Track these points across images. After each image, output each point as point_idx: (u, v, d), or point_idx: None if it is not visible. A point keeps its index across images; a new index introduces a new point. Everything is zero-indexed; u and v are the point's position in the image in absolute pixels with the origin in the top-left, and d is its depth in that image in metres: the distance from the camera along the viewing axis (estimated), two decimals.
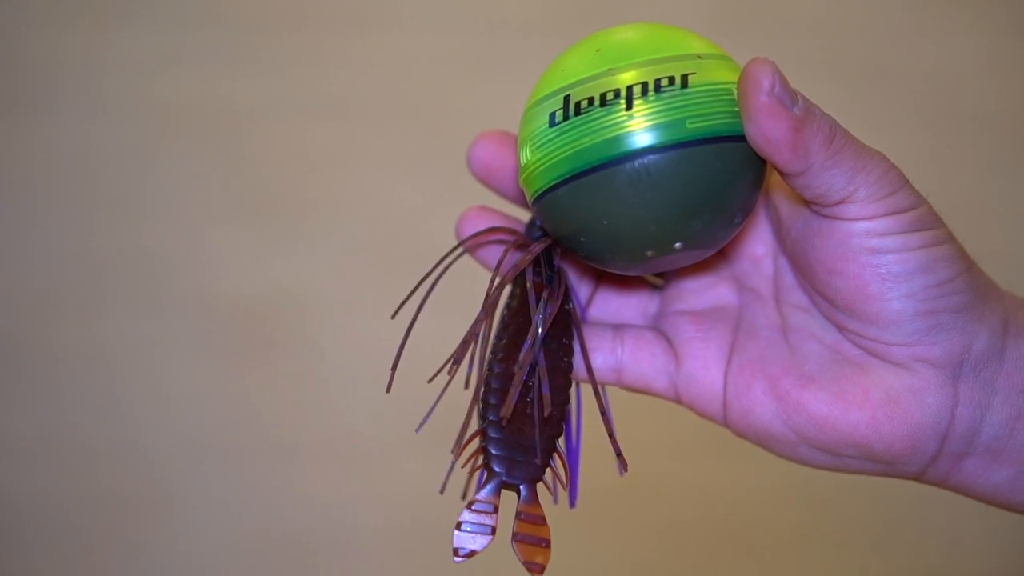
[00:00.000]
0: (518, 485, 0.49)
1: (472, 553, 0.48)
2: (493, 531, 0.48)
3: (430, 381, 0.49)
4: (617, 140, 0.46)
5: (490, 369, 0.50)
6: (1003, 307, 0.48)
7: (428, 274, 0.51)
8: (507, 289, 0.53)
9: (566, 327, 0.52)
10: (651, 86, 0.46)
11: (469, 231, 0.54)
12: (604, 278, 0.55)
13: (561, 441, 0.50)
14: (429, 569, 1.20)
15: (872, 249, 0.46)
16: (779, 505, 1.24)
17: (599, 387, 0.51)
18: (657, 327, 0.54)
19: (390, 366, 0.50)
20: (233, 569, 1.24)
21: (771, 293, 0.52)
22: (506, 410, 0.48)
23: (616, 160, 0.46)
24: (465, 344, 0.49)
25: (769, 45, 1.21)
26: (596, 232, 0.47)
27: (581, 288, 0.55)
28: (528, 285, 0.51)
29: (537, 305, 0.50)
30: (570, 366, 0.51)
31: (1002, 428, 0.47)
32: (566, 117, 0.47)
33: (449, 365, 0.49)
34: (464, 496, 0.49)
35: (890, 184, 0.46)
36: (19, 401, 1.24)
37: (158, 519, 1.23)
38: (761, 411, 0.50)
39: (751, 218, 0.52)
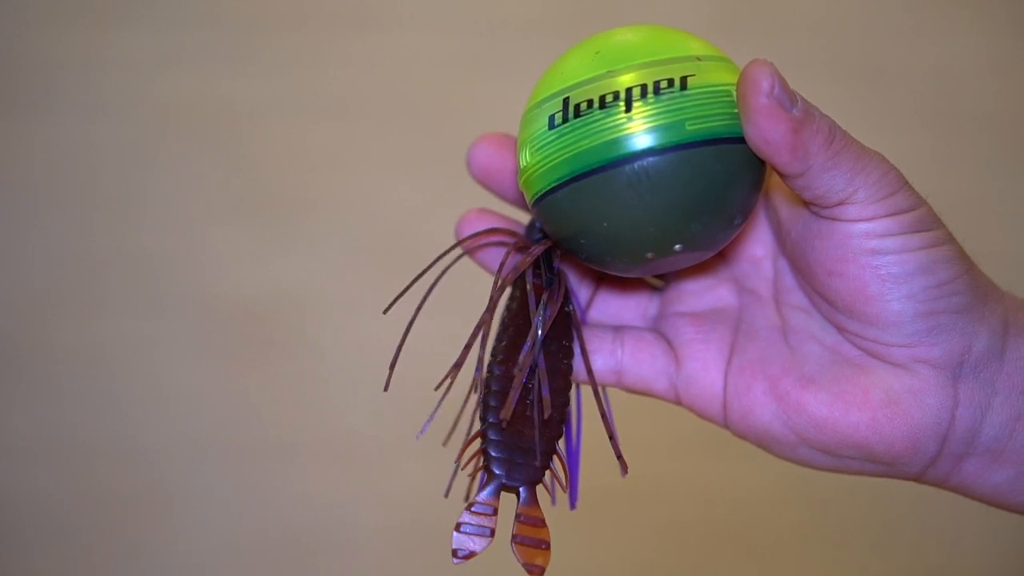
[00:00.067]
0: (518, 487, 0.49)
1: (471, 554, 0.48)
2: (492, 533, 0.48)
3: (437, 388, 0.49)
4: (616, 142, 0.46)
5: (490, 371, 0.50)
6: (1003, 308, 0.48)
7: (423, 272, 0.51)
8: (507, 291, 0.53)
9: (566, 329, 0.52)
10: (650, 88, 0.46)
11: (469, 233, 0.54)
12: (604, 280, 0.55)
13: (561, 443, 0.50)
14: (429, 569, 1.20)
15: (872, 250, 0.46)
16: (779, 505, 1.24)
17: (599, 389, 0.51)
18: (657, 329, 0.54)
19: (389, 366, 0.50)
20: (233, 569, 1.24)
21: (771, 294, 0.52)
22: (506, 412, 0.48)
23: (616, 162, 0.46)
24: (468, 348, 0.49)
25: (769, 45, 1.21)
26: (596, 234, 0.47)
27: (581, 290, 0.55)
28: (528, 287, 0.51)
29: (537, 307, 0.50)
30: (570, 368, 0.51)
31: (1002, 429, 0.47)
32: (565, 119, 0.47)
33: (453, 370, 0.49)
34: (465, 498, 0.49)
35: (890, 185, 0.46)
36: (19, 401, 1.24)
37: (158, 519, 1.23)
38: (761, 412, 0.50)
39: (751, 220, 0.52)
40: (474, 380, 0.51)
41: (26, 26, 1.31)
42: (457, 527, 0.48)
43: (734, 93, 0.46)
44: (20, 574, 1.23)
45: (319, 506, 1.24)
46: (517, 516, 0.48)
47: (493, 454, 0.49)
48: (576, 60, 0.48)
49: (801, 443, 0.49)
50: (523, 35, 1.34)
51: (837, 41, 1.38)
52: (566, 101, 0.47)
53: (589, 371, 0.51)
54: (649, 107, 0.46)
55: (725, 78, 0.47)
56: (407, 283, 0.51)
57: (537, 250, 0.51)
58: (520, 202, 0.54)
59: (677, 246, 0.47)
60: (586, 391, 0.53)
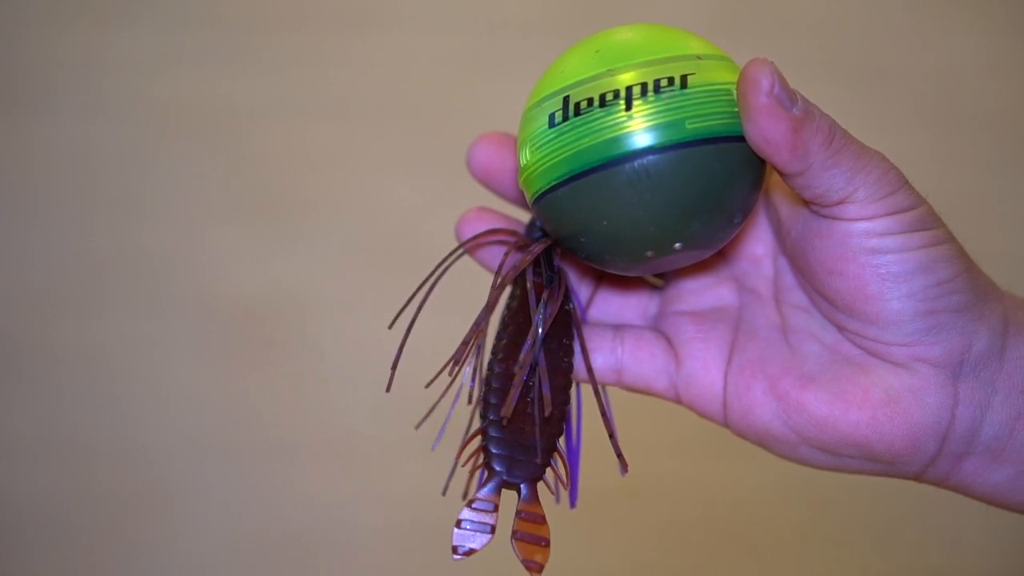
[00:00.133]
0: (518, 484, 0.49)
1: (471, 551, 0.48)
2: (493, 530, 0.48)
3: (427, 386, 0.49)
4: (616, 141, 0.46)
5: (491, 369, 0.50)
6: (1003, 307, 0.48)
7: (428, 278, 0.51)
8: (507, 290, 0.53)
9: (566, 327, 0.52)
10: (650, 87, 0.46)
11: (469, 232, 0.54)
12: (604, 278, 0.55)
13: (561, 441, 0.50)
14: (429, 569, 1.20)
15: (872, 249, 0.46)
16: (779, 505, 1.24)
17: (599, 387, 0.51)
18: (657, 327, 0.54)
19: (390, 366, 0.50)
20: (233, 569, 1.24)
21: (771, 293, 0.52)
22: (506, 410, 0.48)
23: (615, 161, 0.46)
24: (465, 345, 0.49)
25: (769, 45, 1.21)
26: (596, 233, 0.47)
27: (581, 288, 0.55)
28: (528, 285, 0.51)
29: (537, 305, 0.50)
30: (570, 366, 0.51)
31: (1002, 428, 0.47)
32: (565, 118, 0.47)
33: (450, 367, 0.49)
34: (464, 495, 0.49)
35: (890, 184, 0.46)
36: (19, 401, 1.24)
37: (158, 519, 1.23)
38: (761, 411, 0.50)
39: (751, 218, 0.52)
40: (471, 391, 0.51)
41: (26, 26, 1.31)
42: (458, 524, 0.48)
43: (734, 92, 0.46)
44: (20, 574, 1.23)
45: (319, 506, 1.24)
46: (517, 513, 0.48)
47: (494, 451, 0.49)
48: (576, 59, 0.48)
49: (801, 442, 0.49)
50: (523, 35, 1.34)
51: (837, 41, 1.38)
52: (566, 100, 0.47)
53: (589, 369, 0.51)
54: (649, 105, 0.46)
55: (725, 77, 0.47)
56: (407, 283, 0.51)
57: (537, 249, 0.51)
58: (520, 201, 0.54)
59: (677, 245, 0.47)
60: (586, 390, 0.53)
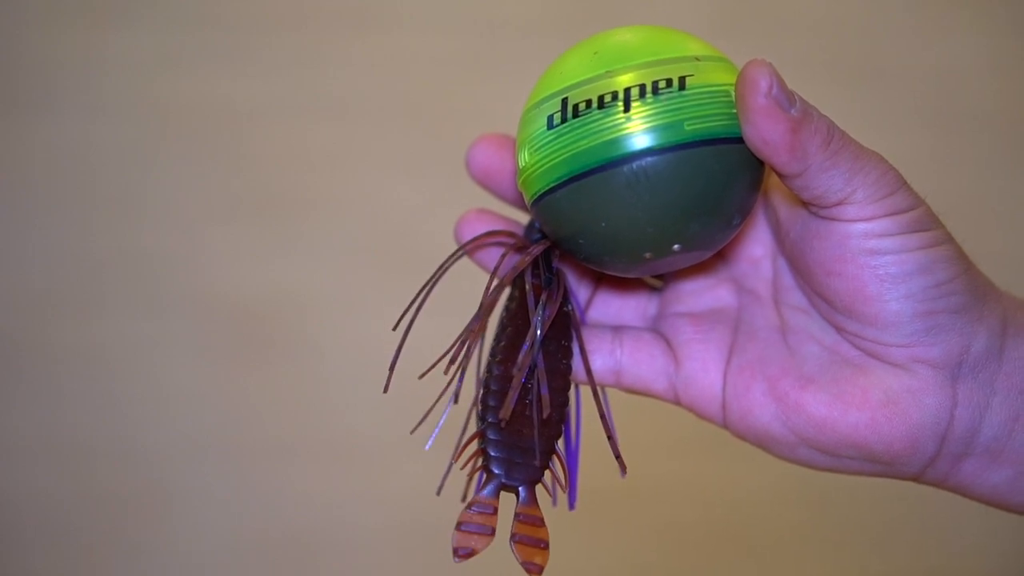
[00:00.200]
0: (517, 487, 0.49)
1: (471, 554, 0.48)
2: (492, 532, 0.48)
3: (421, 377, 0.49)
4: (615, 142, 0.46)
5: (489, 371, 0.50)
6: (1002, 308, 0.48)
7: (428, 282, 0.51)
8: (506, 291, 0.53)
9: (565, 329, 0.52)
10: (649, 88, 0.46)
11: (468, 233, 0.54)
12: (603, 280, 0.55)
13: (560, 443, 0.50)
14: (429, 569, 1.20)
15: (870, 250, 0.46)
16: (779, 505, 1.24)
17: (598, 389, 0.51)
18: (656, 329, 0.54)
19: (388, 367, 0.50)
20: (233, 569, 1.24)
21: (770, 294, 0.52)
22: (505, 412, 0.48)
23: (614, 162, 0.46)
24: (461, 342, 0.49)
25: (768, 46, 1.21)
26: (594, 234, 0.47)
27: (580, 290, 0.55)
28: (527, 287, 0.51)
29: (536, 307, 0.50)
30: (569, 368, 0.51)
31: (1001, 429, 0.47)
32: (564, 119, 0.47)
33: (446, 364, 0.49)
34: (464, 497, 0.49)
35: (888, 185, 0.46)
36: (19, 401, 1.24)
37: (158, 519, 1.23)
38: (760, 412, 0.50)
39: (749, 220, 0.52)
40: (457, 391, 0.51)
41: (26, 26, 1.31)
42: (457, 526, 0.48)
43: (733, 93, 0.46)
44: (20, 574, 1.23)
45: (319, 506, 1.24)
46: (516, 515, 0.48)
47: (492, 453, 0.49)
48: (575, 60, 0.48)
49: (800, 443, 0.49)
50: (523, 35, 1.34)
51: (837, 41, 1.38)
52: (564, 101, 0.47)
53: (588, 371, 0.51)
54: (648, 107, 0.46)
55: (724, 78, 0.47)
56: (407, 283, 0.51)
57: (536, 250, 0.51)
58: (519, 202, 0.54)
59: (676, 246, 0.47)
60: (585, 391, 0.53)
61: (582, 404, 0.53)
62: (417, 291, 0.51)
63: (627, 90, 0.46)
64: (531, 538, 0.48)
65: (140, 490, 1.23)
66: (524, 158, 0.49)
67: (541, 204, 0.49)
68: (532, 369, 0.50)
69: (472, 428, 0.50)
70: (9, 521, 1.22)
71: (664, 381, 0.52)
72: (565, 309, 0.52)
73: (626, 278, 0.55)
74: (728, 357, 0.51)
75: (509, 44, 1.34)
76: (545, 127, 0.48)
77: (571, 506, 0.51)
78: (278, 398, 1.26)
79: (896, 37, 1.39)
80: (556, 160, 0.47)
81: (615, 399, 0.53)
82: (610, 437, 0.51)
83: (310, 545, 1.23)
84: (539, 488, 0.49)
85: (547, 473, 0.50)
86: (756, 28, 1.37)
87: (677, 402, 0.53)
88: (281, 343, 1.27)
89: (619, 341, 0.53)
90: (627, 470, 0.50)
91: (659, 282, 0.56)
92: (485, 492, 0.48)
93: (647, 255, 0.48)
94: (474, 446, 0.49)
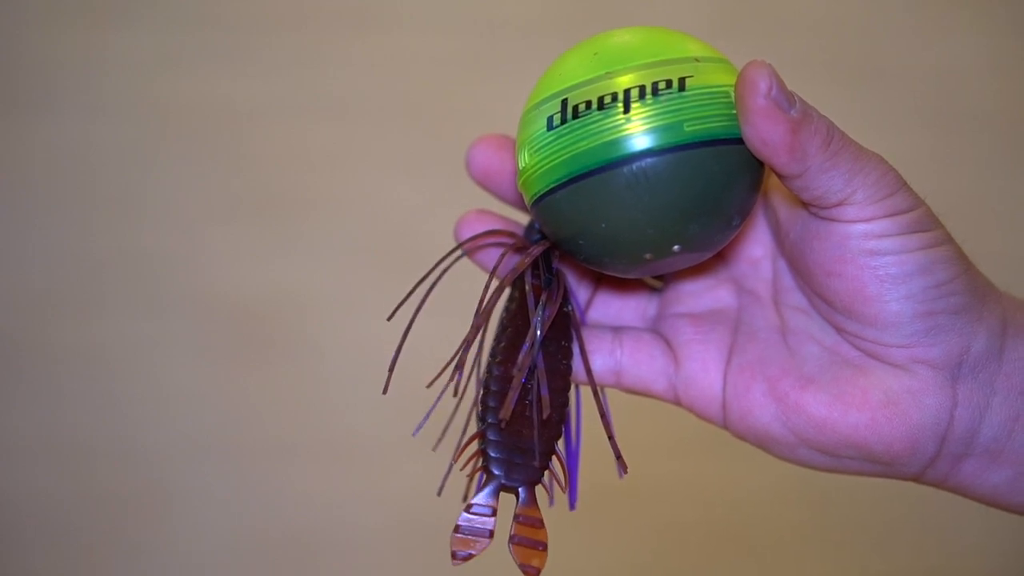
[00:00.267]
0: (517, 488, 0.49)
1: (470, 556, 0.48)
2: (491, 534, 0.48)
3: (429, 386, 0.49)
4: (615, 143, 0.46)
5: (489, 371, 0.50)
6: (1001, 308, 0.48)
7: (425, 277, 0.51)
8: (506, 292, 0.53)
9: (565, 329, 0.52)
10: (648, 89, 0.46)
11: (468, 234, 0.54)
12: (603, 280, 0.55)
13: (560, 443, 0.50)
14: (429, 569, 1.20)
15: (870, 251, 0.46)
16: (779, 505, 1.24)
17: (598, 389, 0.51)
18: (656, 329, 0.54)
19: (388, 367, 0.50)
20: (233, 569, 1.24)
21: (770, 295, 0.52)
22: (505, 412, 0.48)
23: (614, 163, 0.46)
24: (468, 344, 0.49)
25: (768, 46, 1.21)
26: (594, 235, 0.47)
27: (580, 290, 0.55)
28: (527, 288, 0.51)
29: (536, 308, 0.50)
30: (569, 368, 0.51)
31: (1001, 429, 0.47)
32: (564, 121, 0.47)
33: (451, 369, 0.49)
34: (464, 497, 0.49)
35: (888, 186, 0.46)
36: (19, 401, 1.24)
37: (158, 519, 1.23)
38: (760, 413, 0.50)
39: (749, 220, 0.52)
40: (457, 384, 0.51)
41: (26, 26, 1.31)
42: (456, 528, 0.48)
43: (732, 94, 0.46)
44: (20, 574, 1.23)
45: (319, 506, 1.24)
46: (516, 517, 0.48)
47: (492, 454, 0.49)
48: (574, 61, 0.48)
49: (800, 444, 0.49)
50: (523, 35, 1.34)
51: (837, 41, 1.38)
52: (564, 102, 0.47)
53: (588, 371, 0.51)
54: (647, 108, 0.46)
55: (723, 79, 0.47)
56: (407, 283, 0.51)
57: (536, 251, 0.51)
58: (519, 203, 0.54)
59: (676, 247, 0.47)
60: (585, 392, 0.53)
61: (582, 405, 0.53)
62: (416, 285, 0.51)
63: (627, 91, 0.46)
64: (530, 540, 0.48)
65: (140, 490, 1.23)
66: (524, 159, 0.49)
67: (541, 205, 0.49)
68: (532, 370, 0.50)
69: (472, 429, 0.50)
70: (9, 521, 1.22)
71: (664, 381, 0.52)
72: (565, 310, 0.52)
73: (626, 279, 0.55)
74: (728, 358, 0.51)
75: (509, 44, 1.34)
76: (545, 128, 0.48)
77: (571, 507, 0.51)
78: (278, 398, 1.26)
79: (896, 37, 1.39)
80: (556, 161, 0.47)
81: (615, 399, 0.53)
82: (610, 437, 0.51)
83: (310, 545, 1.23)
84: (539, 489, 0.49)
85: (547, 474, 0.49)
86: (756, 28, 1.37)
87: (677, 402, 0.53)
88: (281, 343, 1.27)
89: (619, 341, 0.53)
90: (627, 470, 0.50)
91: (659, 283, 0.56)
92: (484, 493, 0.48)
93: (647, 256, 0.48)
94: (474, 447, 0.49)
